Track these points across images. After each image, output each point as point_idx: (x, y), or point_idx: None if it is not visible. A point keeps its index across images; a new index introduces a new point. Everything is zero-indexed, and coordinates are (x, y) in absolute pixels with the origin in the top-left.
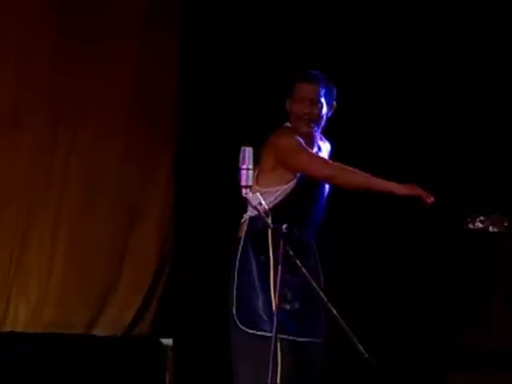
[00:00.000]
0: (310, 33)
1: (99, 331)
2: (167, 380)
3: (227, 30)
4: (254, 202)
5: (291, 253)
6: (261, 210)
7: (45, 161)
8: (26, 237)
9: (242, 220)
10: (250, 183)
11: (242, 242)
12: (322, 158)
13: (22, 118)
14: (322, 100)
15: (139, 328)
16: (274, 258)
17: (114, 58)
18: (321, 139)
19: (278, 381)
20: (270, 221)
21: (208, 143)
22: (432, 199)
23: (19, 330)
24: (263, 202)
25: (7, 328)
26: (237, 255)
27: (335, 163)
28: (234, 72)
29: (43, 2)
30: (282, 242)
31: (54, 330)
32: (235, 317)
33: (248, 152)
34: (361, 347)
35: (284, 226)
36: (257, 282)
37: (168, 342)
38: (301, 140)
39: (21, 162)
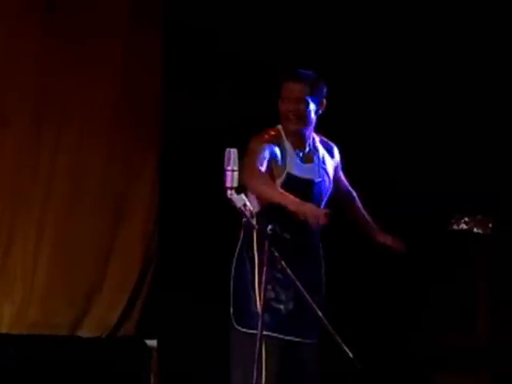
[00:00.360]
0: (304, 32)
1: (84, 332)
2: (152, 381)
3: (212, 28)
4: (239, 204)
5: (276, 254)
6: (246, 212)
7: (29, 160)
8: (10, 237)
9: (242, 221)
10: (235, 184)
11: (239, 244)
12: (256, 167)
13: (7, 118)
14: (309, 98)
15: (124, 329)
16: (259, 258)
17: (98, 57)
18: (323, 143)
19: (264, 381)
20: (254, 222)
21: (193, 143)
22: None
23: (3, 331)
24: (248, 204)
25: None
26: (234, 256)
27: (263, 175)
28: (219, 71)
29: (28, 2)
30: (266, 242)
31: (38, 330)
32: (232, 316)
33: (233, 153)
34: (345, 348)
35: (269, 228)
36: (250, 283)
37: (153, 343)
38: (264, 146)
39: (5, 161)
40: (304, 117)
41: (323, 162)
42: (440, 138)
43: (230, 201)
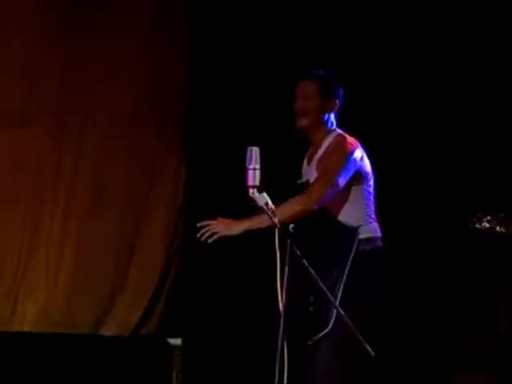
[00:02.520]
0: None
1: (106, 331)
2: (174, 380)
3: (238, 28)
4: (261, 202)
5: (298, 253)
6: (267, 210)
7: (52, 162)
8: (33, 237)
9: None
10: (257, 183)
11: None
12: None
13: (30, 120)
14: (316, 95)
15: (146, 328)
16: (280, 258)
17: (121, 58)
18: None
19: (285, 381)
20: (276, 220)
21: (216, 143)
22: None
23: (27, 329)
24: (269, 202)
25: (15, 328)
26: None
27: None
28: (245, 72)
29: (50, 2)
30: (288, 241)
31: (61, 329)
32: None
33: (254, 152)
34: (368, 347)
35: (291, 226)
36: None
37: (176, 341)
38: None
39: (28, 163)
40: (310, 113)
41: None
42: (462, 135)
43: (251, 199)
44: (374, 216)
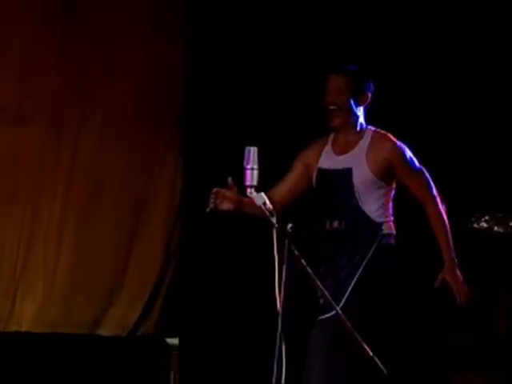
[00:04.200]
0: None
1: (104, 331)
2: (172, 380)
3: (237, 29)
4: (259, 202)
5: (296, 252)
6: (265, 210)
7: (50, 160)
8: (31, 236)
9: None
10: (255, 183)
11: None
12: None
13: (27, 118)
14: (348, 90)
15: (144, 328)
16: (278, 257)
17: (119, 57)
18: (374, 137)
19: (283, 381)
20: (274, 220)
21: (214, 141)
22: None
23: (25, 329)
24: (267, 202)
25: (13, 327)
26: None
27: None
28: (242, 71)
29: (47, 3)
30: (286, 241)
31: (59, 329)
32: None
33: (252, 152)
34: (366, 347)
35: (289, 226)
36: None
37: (173, 341)
38: None
39: (26, 161)
40: (343, 108)
41: (363, 153)
42: (459, 134)
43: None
44: (392, 212)
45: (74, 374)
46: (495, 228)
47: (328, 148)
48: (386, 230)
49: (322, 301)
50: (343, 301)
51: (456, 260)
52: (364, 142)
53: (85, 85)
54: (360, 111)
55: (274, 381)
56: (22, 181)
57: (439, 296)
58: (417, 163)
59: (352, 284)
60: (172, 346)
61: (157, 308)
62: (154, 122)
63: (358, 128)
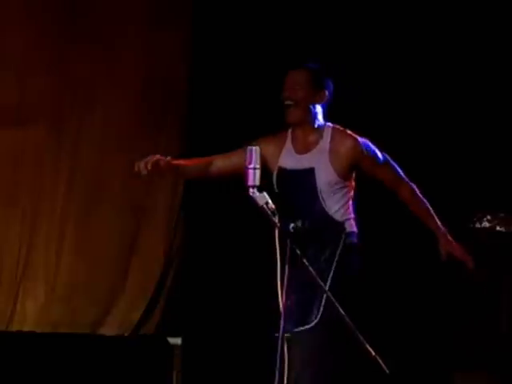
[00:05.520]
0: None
1: (106, 330)
2: (174, 379)
3: (241, 20)
4: (261, 202)
5: (298, 252)
6: (267, 210)
7: (50, 161)
8: (32, 236)
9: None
10: (257, 182)
11: None
12: None
13: (27, 119)
14: (304, 85)
15: (146, 327)
16: (280, 257)
17: (119, 58)
18: (336, 134)
19: (286, 380)
20: (276, 220)
21: (216, 140)
22: None
23: (27, 329)
24: (270, 201)
25: (15, 327)
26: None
27: None
28: (247, 66)
29: (47, 4)
30: (288, 241)
31: (61, 329)
32: None
33: (255, 151)
34: (368, 346)
35: (291, 226)
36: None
37: (176, 341)
38: None
39: (26, 162)
40: (299, 104)
41: (325, 152)
42: (462, 133)
43: (251, 199)
44: (353, 211)
45: (76, 374)
46: (497, 227)
47: (288, 146)
48: (348, 229)
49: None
50: (320, 309)
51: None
52: (325, 141)
53: (85, 85)
54: (318, 109)
55: (276, 380)
56: (23, 182)
57: (440, 294)
58: (380, 154)
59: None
60: (174, 346)
61: (159, 307)
62: (155, 122)
63: (316, 125)
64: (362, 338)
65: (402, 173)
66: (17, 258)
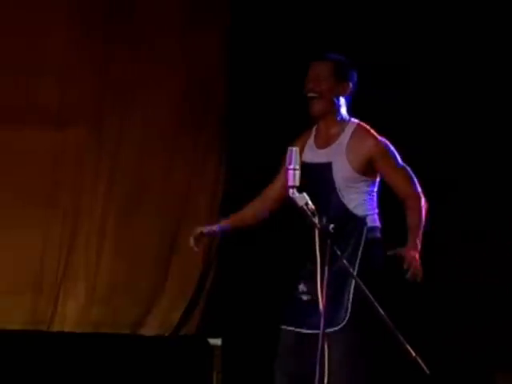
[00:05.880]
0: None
1: (147, 331)
2: (214, 380)
3: (279, 25)
4: (301, 202)
5: (338, 252)
6: (307, 211)
7: (91, 161)
8: (73, 237)
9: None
10: (297, 183)
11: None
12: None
13: (67, 119)
14: (327, 77)
15: (187, 328)
16: (320, 258)
17: (160, 57)
18: (358, 131)
19: (326, 380)
20: (316, 221)
21: (256, 141)
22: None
23: (68, 329)
24: (309, 202)
25: (56, 328)
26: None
27: None
28: (285, 69)
29: (87, 6)
30: (328, 241)
31: (101, 329)
32: None
33: (295, 152)
34: (408, 347)
35: (331, 226)
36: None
37: (216, 341)
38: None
39: (67, 163)
40: (323, 96)
41: (343, 147)
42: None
43: (291, 200)
44: (376, 206)
45: (117, 375)
46: None
47: (311, 141)
48: (370, 224)
49: (305, 298)
50: (349, 309)
51: (419, 246)
52: (345, 136)
53: (126, 86)
54: (341, 101)
55: (316, 380)
56: (64, 182)
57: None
58: (399, 159)
59: (351, 290)
60: (214, 346)
61: (199, 308)
62: (195, 122)
63: (339, 118)
64: (401, 337)
65: (416, 187)
66: (57, 258)
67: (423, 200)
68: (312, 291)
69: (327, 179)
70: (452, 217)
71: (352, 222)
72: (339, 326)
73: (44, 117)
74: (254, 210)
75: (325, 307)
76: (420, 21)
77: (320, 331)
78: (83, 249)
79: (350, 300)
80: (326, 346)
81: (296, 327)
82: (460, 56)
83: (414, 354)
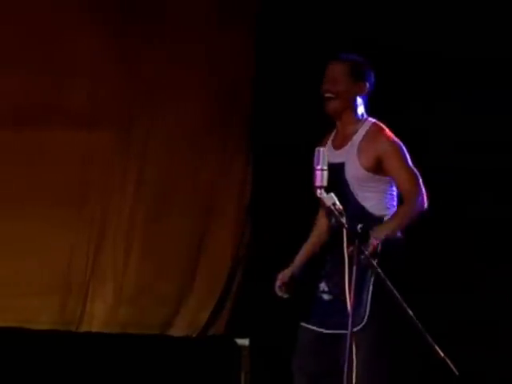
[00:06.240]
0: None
1: (175, 331)
2: (243, 380)
3: (305, 25)
4: (329, 203)
5: (366, 253)
6: (335, 211)
7: (120, 162)
8: (101, 237)
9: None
10: (325, 183)
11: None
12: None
13: (96, 119)
14: (344, 77)
15: (215, 328)
16: (348, 258)
17: (187, 59)
18: (371, 131)
19: (354, 380)
20: (344, 221)
21: (283, 141)
22: None
23: (95, 330)
24: (337, 202)
25: (84, 328)
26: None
27: None
28: (312, 69)
29: (114, 6)
30: (356, 241)
31: (129, 330)
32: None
33: (322, 152)
34: (437, 348)
35: (359, 226)
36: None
37: (244, 342)
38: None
39: (95, 162)
40: (339, 97)
41: (355, 147)
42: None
43: (319, 200)
44: (396, 205)
45: (144, 375)
46: None
47: (329, 142)
48: None
49: (326, 297)
50: (368, 308)
51: (383, 235)
52: (358, 136)
53: (154, 87)
54: (358, 101)
55: (344, 380)
56: (92, 183)
57: None
58: (409, 161)
59: (370, 289)
60: (242, 347)
61: (227, 308)
62: (223, 122)
63: (356, 118)
64: (430, 338)
65: (418, 185)
66: (86, 258)
67: (421, 199)
68: (333, 291)
69: (342, 179)
70: None
71: (369, 222)
72: (359, 326)
73: (74, 118)
74: (319, 240)
75: (352, 306)
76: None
77: (348, 331)
78: (111, 249)
79: (369, 300)
80: (353, 347)
81: (318, 327)
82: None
83: (442, 355)
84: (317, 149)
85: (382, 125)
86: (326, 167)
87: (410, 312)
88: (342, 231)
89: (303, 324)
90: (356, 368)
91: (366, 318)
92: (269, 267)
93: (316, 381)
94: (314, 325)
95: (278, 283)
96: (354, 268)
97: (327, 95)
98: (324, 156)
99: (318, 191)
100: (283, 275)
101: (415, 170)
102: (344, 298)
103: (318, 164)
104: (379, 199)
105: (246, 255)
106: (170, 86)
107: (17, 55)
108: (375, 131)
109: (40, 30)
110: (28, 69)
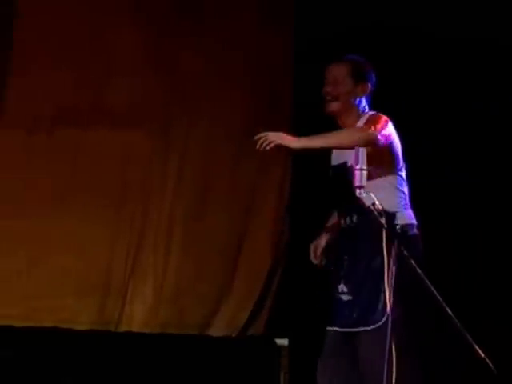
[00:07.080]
0: None
1: (214, 331)
2: (282, 380)
3: (343, 31)
4: (368, 202)
5: (406, 253)
6: (375, 211)
7: (159, 162)
8: (141, 237)
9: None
10: (364, 183)
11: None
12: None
13: (136, 119)
14: (345, 79)
15: (254, 328)
16: (388, 258)
17: (227, 58)
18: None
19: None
20: (384, 221)
21: None
22: None
23: (135, 330)
24: (377, 202)
25: (123, 328)
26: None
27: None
28: None
29: (157, 7)
30: (396, 242)
31: (169, 330)
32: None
33: (361, 152)
34: (477, 347)
35: (398, 226)
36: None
37: (283, 342)
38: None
39: (135, 162)
40: (341, 99)
41: None
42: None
43: (358, 200)
44: (408, 203)
45: (184, 375)
46: None
47: None
48: (401, 221)
49: (345, 298)
50: (387, 306)
51: (302, 144)
52: None
53: (194, 85)
54: (360, 102)
55: (384, 381)
56: (132, 183)
57: None
58: (383, 129)
59: (387, 290)
60: (281, 347)
61: (266, 308)
62: (262, 121)
63: (358, 117)
64: (469, 337)
65: (362, 130)
66: (125, 258)
67: (361, 136)
68: (352, 291)
69: (345, 179)
70: None
71: (378, 220)
72: (377, 325)
73: (114, 117)
74: None
75: (391, 307)
76: None
77: (388, 335)
78: (151, 249)
79: (387, 299)
80: (393, 346)
81: (339, 327)
82: None
83: (482, 355)
84: (356, 148)
85: (378, 113)
86: (365, 167)
87: (449, 311)
88: (357, 231)
89: (328, 328)
90: (389, 367)
91: (383, 318)
92: (308, 267)
93: (338, 382)
94: (334, 325)
95: (317, 252)
96: (394, 268)
97: (328, 98)
98: (363, 155)
99: (358, 191)
100: (318, 244)
101: (380, 131)
102: (362, 297)
103: (357, 163)
104: (387, 195)
105: (285, 255)
106: (209, 86)
107: (58, 56)
108: (372, 115)
109: (81, 31)
110: (69, 69)
